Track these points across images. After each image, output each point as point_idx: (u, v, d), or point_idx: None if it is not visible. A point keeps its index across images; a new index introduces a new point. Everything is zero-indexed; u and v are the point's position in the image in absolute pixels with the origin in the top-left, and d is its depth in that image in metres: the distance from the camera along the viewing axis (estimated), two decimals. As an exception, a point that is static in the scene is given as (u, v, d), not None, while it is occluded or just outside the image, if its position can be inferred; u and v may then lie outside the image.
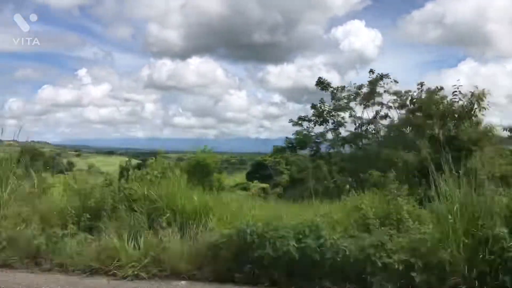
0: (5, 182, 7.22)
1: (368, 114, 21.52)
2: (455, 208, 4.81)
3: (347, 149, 22.62)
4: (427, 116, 11.92)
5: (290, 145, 23.10)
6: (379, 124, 18.91)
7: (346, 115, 22.82)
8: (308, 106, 23.11)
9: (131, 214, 6.32)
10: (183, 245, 4.96)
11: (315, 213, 6.12)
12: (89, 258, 4.91)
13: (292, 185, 23.82)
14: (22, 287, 4.43)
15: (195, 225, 5.77)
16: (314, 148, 22.55)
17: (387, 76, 20.42)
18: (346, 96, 22.76)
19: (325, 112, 22.74)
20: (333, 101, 22.87)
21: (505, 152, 11.25)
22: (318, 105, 22.83)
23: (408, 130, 13.75)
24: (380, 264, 4.56)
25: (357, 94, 22.27)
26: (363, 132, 21.36)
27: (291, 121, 23.47)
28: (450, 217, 4.82)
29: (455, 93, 12.03)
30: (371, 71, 21.90)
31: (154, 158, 8.11)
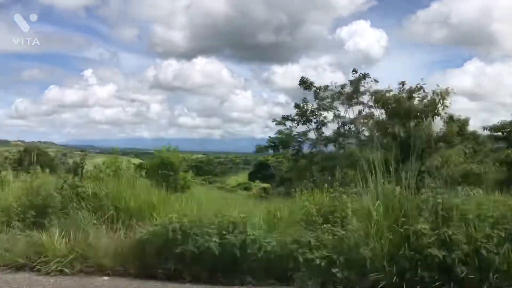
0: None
1: (351, 113, 21.60)
2: (376, 204, 4.83)
3: (330, 148, 22.68)
4: (391, 115, 11.99)
5: (273, 144, 23.15)
6: (359, 124, 18.95)
7: (329, 114, 22.90)
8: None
9: (76, 212, 6.38)
10: (110, 242, 4.98)
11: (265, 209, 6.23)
12: (17, 254, 4.92)
13: (281, 183, 23.98)
14: None
15: (135, 222, 5.82)
16: (296, 148, 22.62)
17: (367, 75, 20.48)
18: (329, 96, 22.79)
19: (308, 112, 22.79)
20: (316, 100, 22.92)
21: (464, 152, 11.29)
22: (301, 104, 22.89)
23: (373, 128, 13.81)
24: (302, 260, 4.60)
25: (340, 93, 22.33)
26: (346, 132, 21.42)
27: (274, 120, 23.55)
28: (375, 213, 4.87)
29: (419, 92, 12.14)
30: (354, 70, 21.96)
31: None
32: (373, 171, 5.30)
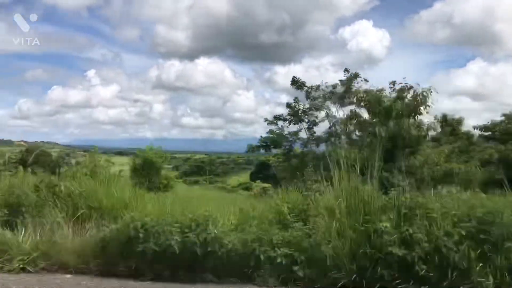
0: None
1: (342, 113, 21.56)
2: (337, 202, 4.85)
3: (322, 148, 22.67)
4: (373, 114, 12.04)
5: (264, 144, 23.16)
6: (344, 123, 18.93)
7: (322, 114, 22.88)
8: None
9: (50, 210, 6.39)
10: (75, 240, 5.00)
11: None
12: (-18, 252, 4.94)
13: (277, 183, 23.91)
14: None
15: (106, 221, 5.83)
16: (287, 147, 22.63)
17: (358, 75, 20.46)
18: (321, 95, 22.77)
19: (300, 111, 22.78)
20: (308, 100, 22.92)
21: (444, 152, 11.32)
22: (293, 104, 22.89)
23: (355, 128, 13.85)
24: (263, 258, 4.62)
25: (332, 93, 22.31)
26: (337, 131, 21.42)
27: (266, 120, 23.54)
28: (337, 212, 4.89)
29: (400, 90, 12.20)
30: (346, 70, 21.93)
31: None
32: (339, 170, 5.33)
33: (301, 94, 23.23)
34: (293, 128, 23.13)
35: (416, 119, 11.32)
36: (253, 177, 43.71)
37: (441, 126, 23.98)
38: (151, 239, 4.61)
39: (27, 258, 4.77)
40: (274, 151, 24.21)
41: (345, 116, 17.18)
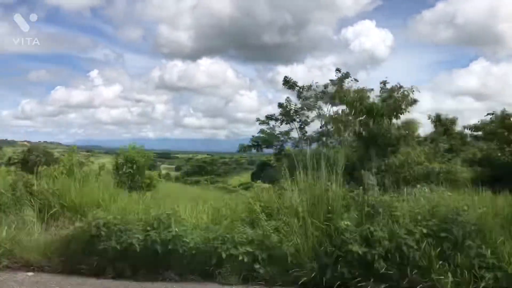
0: None
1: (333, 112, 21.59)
2: (298, 200, 4.87)
3: (314, 147, 22.72)
4: (355, 114, 12.07)
5: (256, 144, 23.21)
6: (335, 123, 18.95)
7: (313, 114, 22.94)
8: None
9: (22, 208, 6.42)
10: (40, 238, 5.02)
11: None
12: None
13: (271, 182, 23.93)
14: None
15: (78, 219, 5.85)
16: (278, 147, 22.68)
17: (349, 75, 20.52)
18: (313, 95, 22.83)
19: (291, 111, 22.84)
20: (300, 100, 22.99)
21: (424, 151, 11.35)
22: (285, 104, 22.95)
23: (336, 127, 13.87)
24: (225, 256, 4.64)
25: (323, 93, 22.37)
26: (328, 131, 21.45)
27: (258, 120, 23.60)
28: (300, 210, 4.91)
29: (390, 90, 12.24)
30: (338, 70, 21.99)
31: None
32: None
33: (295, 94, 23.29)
34: (285, 128, 23.24)
35: (398, 118, 11.34)
36: (254, 177, 43.71)
37: (435, 126, 24.05)
38: (113, 238, 4.62)
39: (-10, 256, 4.78)
40: (266, 150, 24.29)
41: (328, 115, 17.20)
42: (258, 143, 23.14)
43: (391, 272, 4.49)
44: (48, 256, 4.82)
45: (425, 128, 23.62)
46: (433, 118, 23.60)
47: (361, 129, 11.14)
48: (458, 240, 4.61)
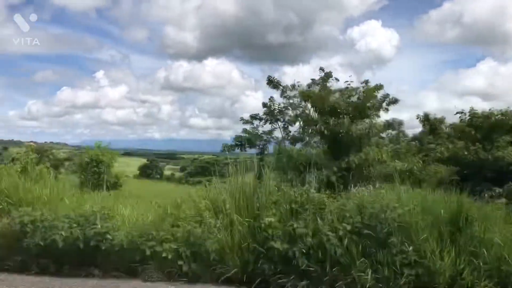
0: None
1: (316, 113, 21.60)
2: (223, 197, 4.91)
3: (298, 147, 22.73)
4: (319, 113, 12.13)
5: (239, 143, 23.23)
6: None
7: (297, 113, 22.93)
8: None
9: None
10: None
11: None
12: None
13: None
14: None
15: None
16: (261, 146, 22.71)
17: (331, 74, 20.49)
18: (296, 95, 22.83)
19: (275, 111, 22.86)
20: (284, 99, 22.99)
21: (387, 152, 11.39)
22: (268, 103, 22.97)
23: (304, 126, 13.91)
24: (149, 253, 4.67)
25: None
26: (310, 130, 21.45)
27: (241, 119, 23.63)
28: (227, 206, 4.95)
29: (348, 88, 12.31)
30: (321, 69, 21.99)
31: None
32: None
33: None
34: (268, 127, 23.25)
35: (366, 118, 11.38)
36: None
37: (423, 125, 24.10)
38: (38, 234, 4.65)
39: None
40: (249, 150, 24.30)
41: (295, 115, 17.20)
42: (241, 142, 23.18)
43: (313, 268, 4.53)
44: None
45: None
46: (421, 117, 23.66)
47: (323, 128, 11.20)
48: (381, 237, 4.64)
